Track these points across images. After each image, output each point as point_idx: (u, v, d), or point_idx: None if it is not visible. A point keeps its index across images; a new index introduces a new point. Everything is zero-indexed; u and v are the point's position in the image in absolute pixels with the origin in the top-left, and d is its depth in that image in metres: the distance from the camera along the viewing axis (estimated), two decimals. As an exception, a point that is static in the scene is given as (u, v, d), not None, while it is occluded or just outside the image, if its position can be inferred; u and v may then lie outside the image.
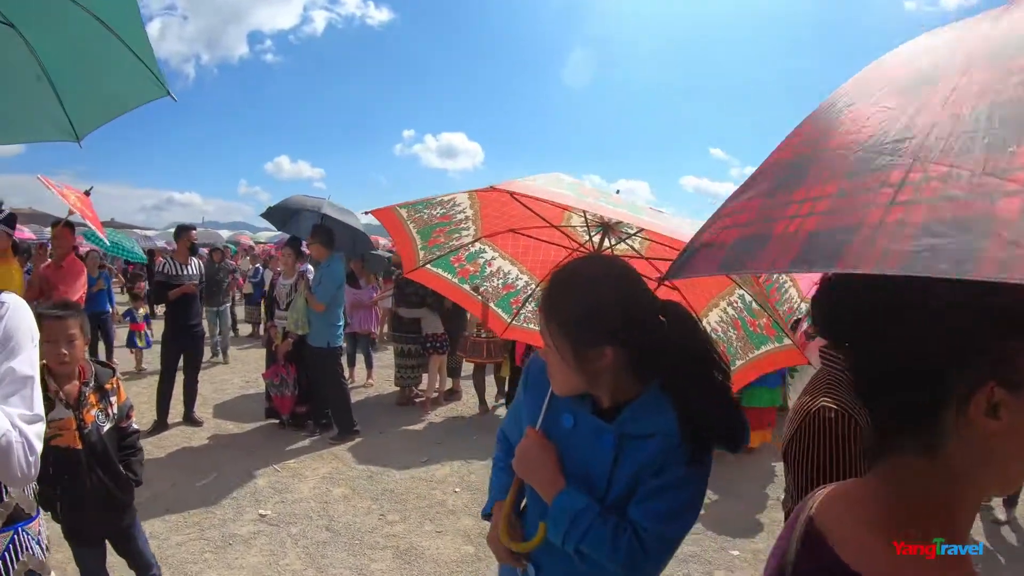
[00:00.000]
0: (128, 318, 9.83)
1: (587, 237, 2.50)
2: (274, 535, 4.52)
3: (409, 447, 6.43)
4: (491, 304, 2.90)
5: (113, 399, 2.96)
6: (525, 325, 2.91)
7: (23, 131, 3.00)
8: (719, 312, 2.39)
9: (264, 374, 6.82)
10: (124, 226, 29.46)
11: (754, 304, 2.24)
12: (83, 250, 10.77)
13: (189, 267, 6.89)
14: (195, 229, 7.29)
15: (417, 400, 8.21)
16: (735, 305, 2.35)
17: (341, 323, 6.71)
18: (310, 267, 6.92)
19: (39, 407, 1.65)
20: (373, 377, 9.37)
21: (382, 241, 21.22)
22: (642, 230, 2.32)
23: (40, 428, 1.64)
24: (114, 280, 11.87)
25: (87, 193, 5.98)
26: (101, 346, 9.24)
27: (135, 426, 3.12)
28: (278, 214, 7.76)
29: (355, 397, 8.33)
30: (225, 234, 30.06)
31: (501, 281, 2.82)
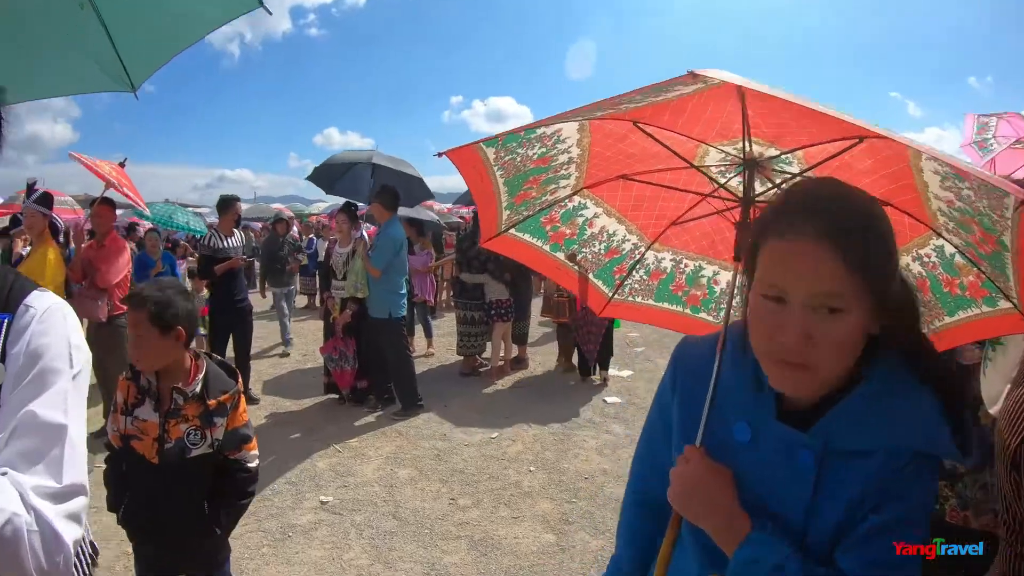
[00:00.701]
0: None
1: (726, 179, 1.86)
2: (337, 525, 4.13)
3: (477, 421, 6.01)
4: (590, 275, 2.30)
5: (219, 420, 2.23)
6: (631, 299, 2.30)
7: (63, 80, 2.38)
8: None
9: (321, 348, 6.45)
10: (178, 204, 29.63)
11: (958, 258, 1.64)
12: (141, 230, 10.43)
13: (233, 239, 6.55)
14: (239, 200, 6.85)
15: (482, 369, 7.79)
16: (925, 260, 1.74)
17: (404, 291, 6.30)
18: (365, 232, 6.51)
19: (75, 474, 1.04)
20: (434, 346, 8.99)
21: (436, 206, 20.77)
22: (806, 170, 1.69)
23: (77, 505, 1.03)
24: (185, 262, 10.91)
25: (122, 164, 5.63)
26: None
27: (250, 464, 2.35)
28: (325, 174, 7.37)
29: (416, 367, 8.01)
30: (276, 208, 30.01)
31: (604, 245, 2.19)
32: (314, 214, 24.52)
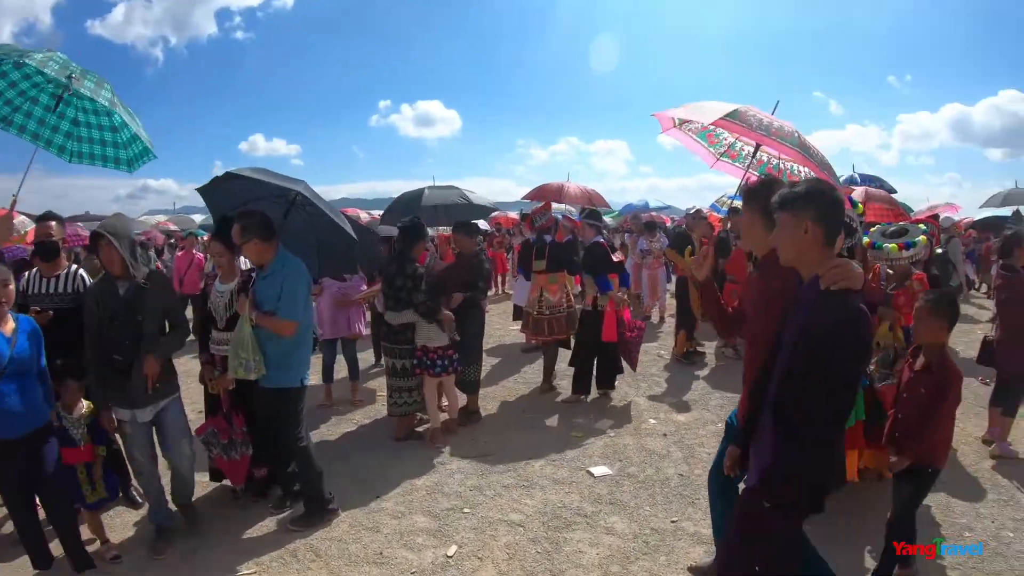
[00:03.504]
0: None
1: None
2: None
3: (424, 523, 4.28)
4: None
5: None
6: None
7: None
8: None
9: (199, 429, 4.53)
10: (98, 218, 26.65)
11: None
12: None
13: (58, 281, 4.43)
14: (50, 219, 4.74)
15: (421, 429, 6.03)
16: None
17: (311, 345, 4.57)
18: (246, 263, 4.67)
19: None
20: (360, 392, 7.19)
21: (363, 215, 18.68)
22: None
23: None
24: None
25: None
26: None
27: None
28: (220, 194, 4.71)
29: (336, 428, 6.20)
30: (198, 219, 27.29)
31: None
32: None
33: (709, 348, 9.01)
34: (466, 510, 4.43)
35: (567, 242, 7.19)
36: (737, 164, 4.63)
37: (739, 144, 4.60)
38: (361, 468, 5.16)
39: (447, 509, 4.45)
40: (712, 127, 4.38)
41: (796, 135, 4.05)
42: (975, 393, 6.66)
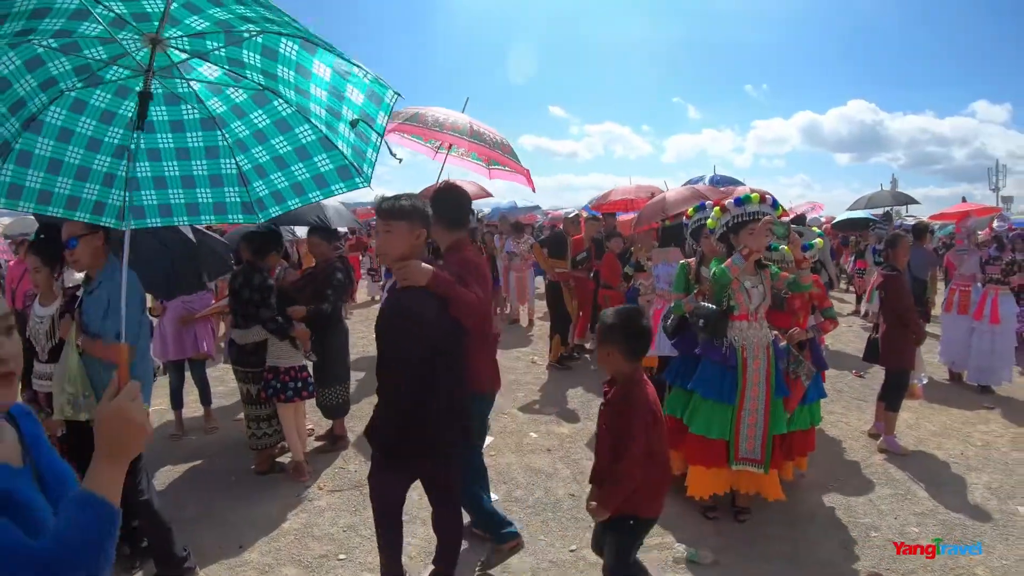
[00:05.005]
0: None
1: None
2: None
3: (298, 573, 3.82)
4: None
5: None
6: None
7: None
8: None
9: None
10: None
11: None
12: None
13: None
14: None
15: (282, 460, 5.45)
16: None
17: (151, 373, 3.93)
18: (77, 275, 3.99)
19: None
20: (214, 416, 6.50)
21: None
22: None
23: None
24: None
25: None
26: None
27: None
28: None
29: (189, 461, 5.52)
30: (5, 220, 24.52)
31: None
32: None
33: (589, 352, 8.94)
34: (341, 556, 3.99)
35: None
36: (453, 154, 5.39)
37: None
38: (219, 510, 4.57)
39: (320, 556, 3.99)
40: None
41: (468, 126, 4.74)
42: (850, 386, 6.87)
